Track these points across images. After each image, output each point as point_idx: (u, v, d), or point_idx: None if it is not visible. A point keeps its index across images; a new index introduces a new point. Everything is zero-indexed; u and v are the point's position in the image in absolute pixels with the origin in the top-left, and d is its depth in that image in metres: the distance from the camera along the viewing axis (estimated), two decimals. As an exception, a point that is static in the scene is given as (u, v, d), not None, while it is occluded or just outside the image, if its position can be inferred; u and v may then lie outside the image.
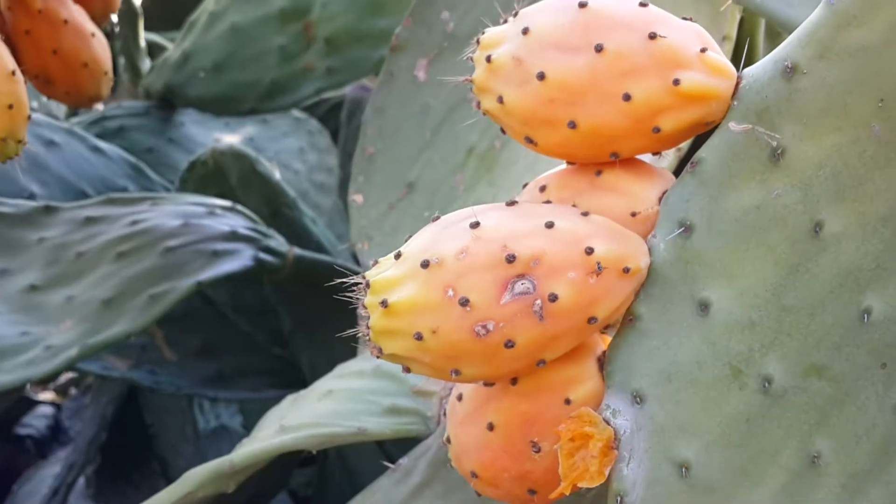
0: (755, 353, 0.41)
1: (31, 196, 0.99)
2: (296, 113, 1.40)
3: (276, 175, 1.02)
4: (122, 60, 1.34)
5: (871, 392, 0.43)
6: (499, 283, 0.37)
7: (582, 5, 0.40)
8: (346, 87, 1.28)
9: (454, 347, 0.37)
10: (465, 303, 0.37)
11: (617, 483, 0.39)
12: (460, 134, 0.69)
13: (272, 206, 1.02)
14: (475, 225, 0.38)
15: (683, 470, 0.40)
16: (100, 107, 1.28)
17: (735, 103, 0.40)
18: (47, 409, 2.23)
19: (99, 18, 0.87)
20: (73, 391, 2.39)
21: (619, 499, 0.39)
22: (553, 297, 0.37)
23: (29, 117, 0.62)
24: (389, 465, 0.56)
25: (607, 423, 0.39)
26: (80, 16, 0.83)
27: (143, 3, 1.53)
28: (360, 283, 0.38)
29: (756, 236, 0.40)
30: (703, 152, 0.40)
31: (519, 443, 0.41)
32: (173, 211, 0.86)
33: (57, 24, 0.81)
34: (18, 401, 2.14)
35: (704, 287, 0.40)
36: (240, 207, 0.90)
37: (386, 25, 1.13)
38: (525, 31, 0.41)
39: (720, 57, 0.40)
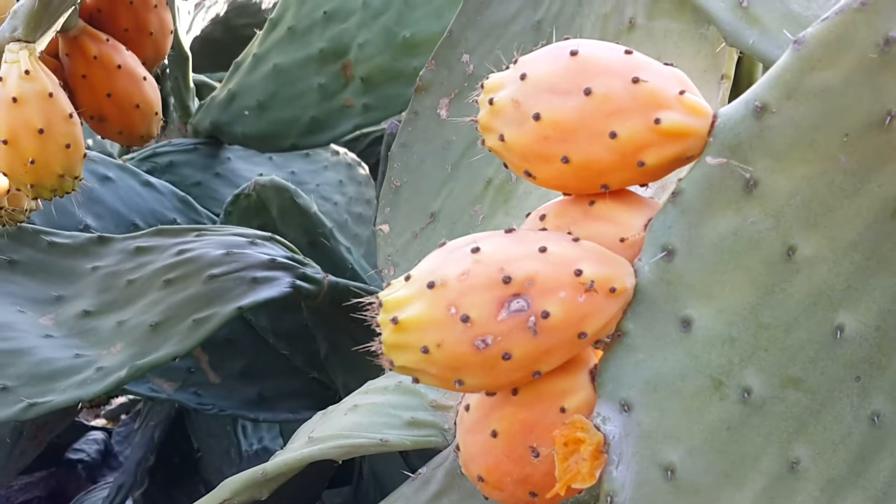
0: (734, 366, 0.45)
1: (86, 228, 1.05)
2: (336, 147, 1.47)
3: (314, 207, 1.08)
4: (172, 100, 1.41)
5: (847, 403, 0.47)
6: (496, 302, 0.41)
7: (573, 53, 0.45)
8: (383, 122, 1.33)
9: (457, 359, 0.42)
10: (465, 319, 0.41)
11: (607, 484, 0.43)
12: (479, 168, 0.74)
13: (310, 235, 1.08)
14: (476, 250, 0.42)
15: (669, 473, 0.44)
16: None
17: (711, 140, 0.44)
18: (98, 435, 2.30)
19: (150, 63, 0.93)
20: (123, 417, 2.47)
21: (609, 499, 0.43)
22: (545, 314, 0.42)
23: (85, 155, 0.68)
24: (410, 474, 0.60)
25: (598, 429, 0.43)
26: (132, 61, 0.89)
27: (192, 47, 1.61)
28: (374, 303, 0.43)
29: (733, 259, 0.44)
30: (683, 184, 0.44)
31: (519, 448, 0.45)
32: (217, 241, 0.92)
33: (111, 69, 0.87)
34: (71, 426, 2.21)
35: (686, 306, 0.44)
36: (278, 238, 0.96)
37: (419, 64, 1.19)
38: (523, 77, 0.46)
39: (697, 98, 0.45)
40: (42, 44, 0.74)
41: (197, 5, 1.69)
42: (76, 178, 0.68)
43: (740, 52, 0.66)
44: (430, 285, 0.42)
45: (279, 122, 1.29)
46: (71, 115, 0.67)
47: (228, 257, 0.91)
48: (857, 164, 0.44)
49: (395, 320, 0.42)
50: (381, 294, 0.43)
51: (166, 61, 1.36)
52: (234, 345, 1.13)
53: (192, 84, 1.39)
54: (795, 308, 0.45)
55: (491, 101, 0.47)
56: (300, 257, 0.94)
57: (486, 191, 0.73)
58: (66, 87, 0.86)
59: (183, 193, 1.16)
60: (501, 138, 0.46)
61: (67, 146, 0.67)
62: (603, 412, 0.43)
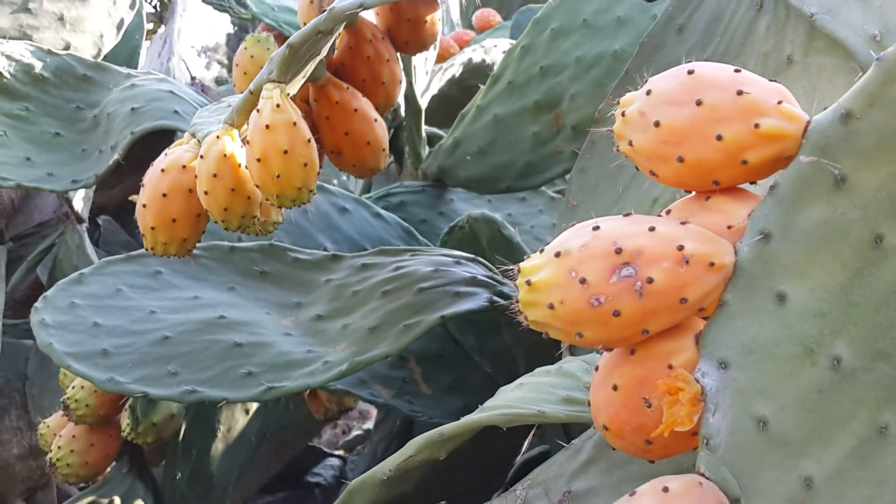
0: (825, 337, 0.51)
1: (325, 249, 1.23)
2: (550, 192, 1.59)
3: (518, 237, 1.19)
4: (406, 148, 1.59)
5: (936, 379, 0.52)
6: (609, 268, 0.51)
7: (690, 72, 0.54)
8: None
9: (576, 315, 0.52)
10: (583, 281, 0.51)
11: (704, 428, 0.51)
12: (647, 188, 0.83)
13: (515, 262, 1.19)
14: (596, 227, 0.52)
15: (761, 424, 0.51)
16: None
17: (804, 141, 0.52)
18: (335, 461, 2.51)
19: (381, 108, 1.10)
20: (358, 448, 2.67)
21: (706, 441, 0.51)
22: (650, 280, 0.51)
23: (318, 174, 0.84)
24: (563, 444, 0.69)
25: (697, 381, 0.51)
26: (366, 106, 1.06)
27: (429, 104, 1.80)
28: (514, 270, 0.54)
29: (824, 245, 0.51)
30: (780, 178, 0.52)
31: (635, 399, 0.54)
32: (427, 260, 1.06)
33: (349, 112, 1.04)
34: (311, 452, 2.43)
35: (781, 282, 0.52)
36: (480, 259, 1.08)
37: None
38: (648, 93, 0.55)
39: (794, 108, 0.52)
40: (294, 87, 0.91)
41: (435, 69, 1.88)
42: (311, 191, 0.84)
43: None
44: (557, 254, 0.52)
45: (497, 166, 1.42)
46: (309, 141, 0.84)
47: (436, 273, 1.04)
48: (940, 164, 0.50)
49: (528, 282, 0.53)
50: (522, 264, 0.54)
51: (402, 114, 1.54)
52: (444, 361, 1.26)
53: (423, 134, 1.56)
54: (884, 290, 0.51)
55: (623, 114, 0.57)
56: (499, 277, 1.06)
57: (653, 208, 0.82)
58: (313, 126, 1.04)
59: (407, 224, 1.32)
60: (630, 143, 0.56)
61: (305, 164, 0.83)
62: (703, 368, 0.51)
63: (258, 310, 1.08)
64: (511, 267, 0.55)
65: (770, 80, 0.54)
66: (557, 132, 1.38)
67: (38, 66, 1.36)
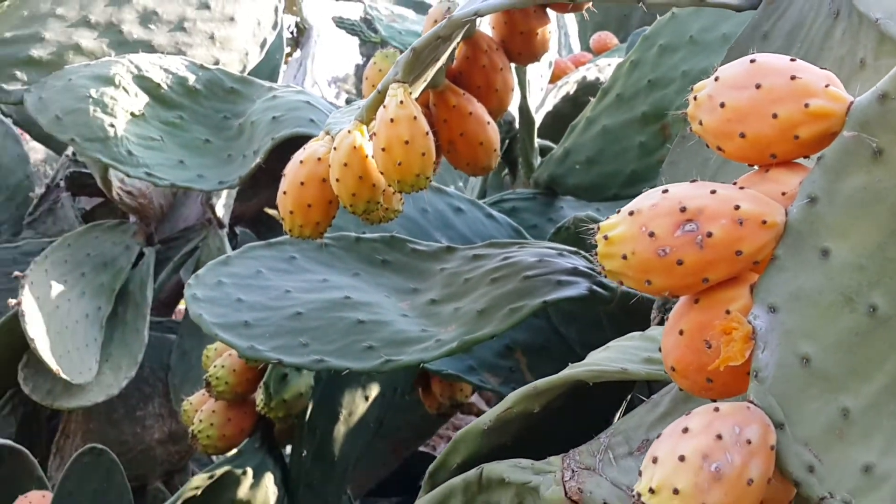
0: (863, 288, 0.59)
1: (440, 244, 1.34)
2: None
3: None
4: (519, 158, 1.70)
5: (967, 329, 0.59)
6: (674, 224, 0.60)
7: (752, 61, 0.63)
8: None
9: (645, 264, 0.61)
10: (651, 235, 0.60)
11: (754, 363, 0.59)
12: (729, 178, 0.90)
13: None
14: (665, 191, 0.62)
15: (804, 361, 0.59)
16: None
17: (847, 119, 0.60)
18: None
19: (494, 113, 1.20)
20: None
21: (755, 374, 0.59)
22: (709, 234, 0.60)
23: (435, 163, 0.96)
24: (644, 398, 0.78)
25: (749, 322, 0.60)
26: (480, 110, 1.17)
27: (545, 120, 1.91)
28: (593, 227, 0.64)
29: (863, 208, 0.59)
30: (826, 151, 0.60)
31: (698, 342, 0.63)
32: (533, 251, 1.16)
33: (465, 115, 1.16)
34: (424, 458, 2.54)
35: (825, 240, 0.60)
36: (583, 252, 1.17)
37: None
38: (716, 79, 0.65)
39: (839, 90, 0.61)
40: (417, 90, 1.04)
41: (550, 87, 1.98)
42: (428, 177, 0.95)
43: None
44: (630, 213, 0.62)
45: (604, 174, 1.51)
46: (427, 133, 0.95)
47: (540, 263, 1.14)
48: (968, 137, 0.58)
49: (605, 237, 0.62)
50: (602, 223, 0.64)
51: (517, 126, 1.65)
52: (548, 352, 1.35)
53: (536, 145, 1.67)
54: (919, 249, 0.59)
55: (695, 98, 0.66)
56: (598, 268, 1.15)
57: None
58: (433, 127, 1.16)
59: (516, 224, 1.43)
60: (700, 123, 0.65)
61: (423, 154, 0.94)
62: (755, 312, 0.60)
63: (379, 293, 1.20)
64: (592, 226, 0.64)
65: (821, 69, 0.62)
66: (663, 143, 1.46)
67: (191, 78, 1.53)
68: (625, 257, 0.61)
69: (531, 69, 1.67)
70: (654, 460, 0.57)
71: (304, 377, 1.41)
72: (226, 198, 2.02)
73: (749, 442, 0.56)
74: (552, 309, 1.33)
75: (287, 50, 2.82)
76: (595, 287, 1.13)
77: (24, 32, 1.52)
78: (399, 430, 2.00)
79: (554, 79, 2.07)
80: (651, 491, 0.56)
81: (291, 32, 2.88)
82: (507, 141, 1.73)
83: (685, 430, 0.57)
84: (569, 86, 1.97)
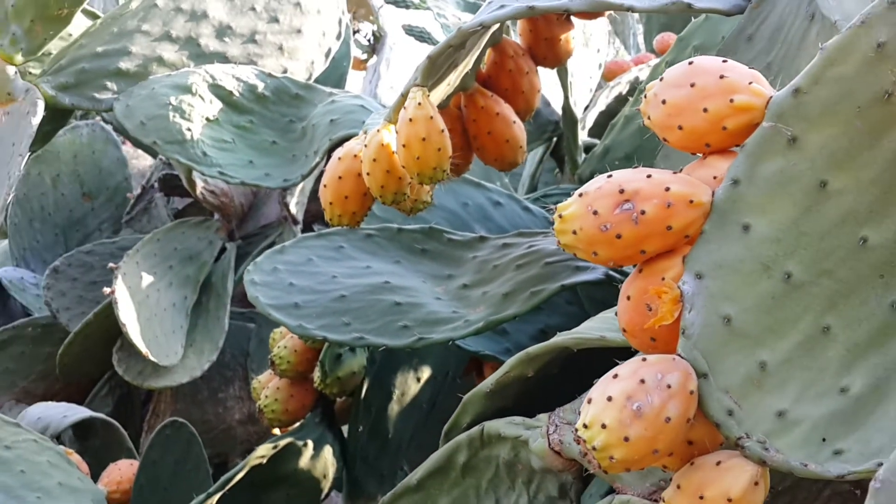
0: (780, 257, 0.68)
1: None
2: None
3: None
4: (565, 156, 1.80)
5: (871, 292, 0.67)
6: (614, 204, 0.70)
7: (689, 63, 0.73)
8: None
9: (591, 237, 0.71)
10: (595, 213, 0.70)
11: (682, 322, 0.69)
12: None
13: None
14: (609, 176, 0.72)
15: (726, 320, 0.68)
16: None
17: (766, 111, 0.69)
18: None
19: (522, 114, 1.31)
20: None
21: (683, 330, 0.69)
22: (643, 212, 0.69)
23: (451, 157, 1.07)
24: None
25: (678, 287, 0.69)
26: (507, 110, 1.27)
27: (597, 119, 2.00)
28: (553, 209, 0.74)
29: (780, 188, 0.68)
30: (747, 139, 0.69)
31: (641, 305, 0.72)
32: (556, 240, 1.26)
33: (492, 115, 1.26)
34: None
35: (746, 216, 0.69)
36: (601, 239, 1.27)
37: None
38: (661, 79, 0.74)
39: (762, 87, 0.70)
40: (439, 92, 1.15)
41: (603, 87, 2.07)
42: (444, 171, 1.07)
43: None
44: (580, 195, 0.72)
45: (641, 170, 1.60)
46: (442, 131, 1.07)
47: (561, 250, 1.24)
48: (870, 127, 0.66)
49: (560, 216, 0.73)
50: (559, 204, 0.74)
51: (561, 125, 1.75)
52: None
53: (580, 142, 1.76)
54: (828, 223, 0.68)
55: (645, 96, 0.76)
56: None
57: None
58: (463, 128, 1.27)
59: (552, 218, 1.52)
60: (649, 117, 0.75)
61: (439, 149, 1.06)
62: (684, 278, 0.69)
63: (416, 279, 1.31)
64: (553, 207, 0.75)
65: (748, 67, 0.72)
66: (695, 139, 1.53)
67: (260, 86, 1.68)
68: (574, 232, 0.72)
69: (580, 71, 1.77)
70: (589, 401, 0.67)
71: (357, 357, 1.54)
72: (298, 195, 2.17)
73: (669, 386, 0.66)
74: (584, 295, 1.43)
75: (364, 57, 2.98)
76: (611, 272, 1.22)
77: (113, 47, 1.69)
78: (451, 413, 2.10)
79: (612, 78, 2.16)
80: (585, 426, 0.66)
81: (369, 40, 3.04)
82: (554, 139, 1.82)
83: (615, 376, 0.67)
84: (621, 86, 2.05)
